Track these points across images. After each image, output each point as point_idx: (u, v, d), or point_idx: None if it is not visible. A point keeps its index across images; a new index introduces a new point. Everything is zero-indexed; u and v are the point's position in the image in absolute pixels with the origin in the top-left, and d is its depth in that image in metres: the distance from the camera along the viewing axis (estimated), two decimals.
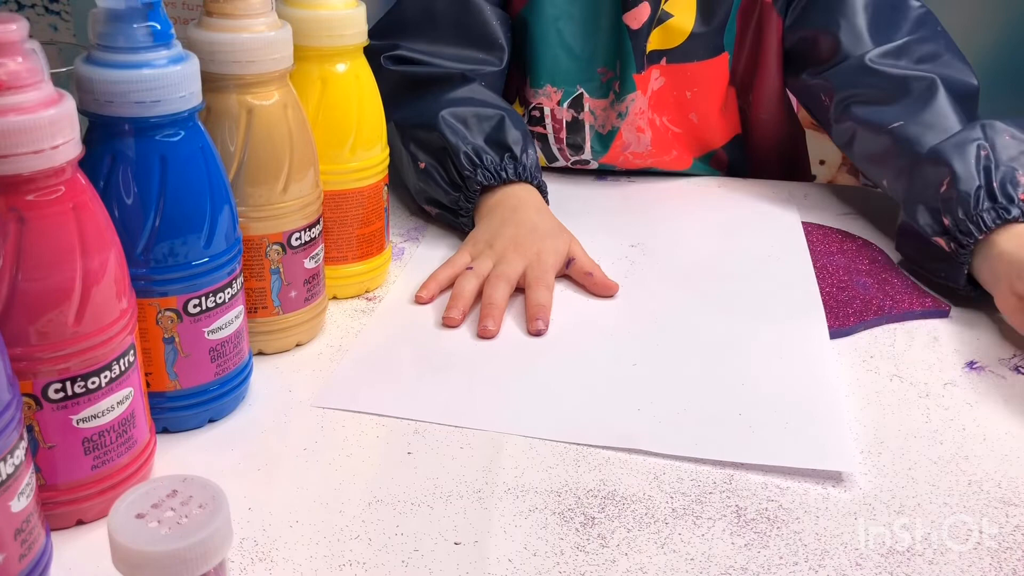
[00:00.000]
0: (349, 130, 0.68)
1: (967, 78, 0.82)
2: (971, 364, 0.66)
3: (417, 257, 0.78)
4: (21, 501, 0.41)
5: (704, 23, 0.91)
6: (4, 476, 0.39)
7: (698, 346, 0.66)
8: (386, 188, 0.72)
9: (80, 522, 0.48)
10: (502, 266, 0.71)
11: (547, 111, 0.93)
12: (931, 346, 0.68)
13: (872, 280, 0.74)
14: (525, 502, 0.51)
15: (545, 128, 0.94)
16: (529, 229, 0.75)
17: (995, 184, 0.71)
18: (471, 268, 0.72)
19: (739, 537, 0.49)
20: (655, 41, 0.91)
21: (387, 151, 0.72)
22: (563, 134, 0.93)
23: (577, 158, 0.95)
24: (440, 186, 0.81)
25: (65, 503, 0.47)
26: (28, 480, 0.41)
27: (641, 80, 0.91)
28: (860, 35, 0.86)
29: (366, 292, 0.73)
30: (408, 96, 0.85)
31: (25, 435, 0.41)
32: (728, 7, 0.91)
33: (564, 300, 0.72)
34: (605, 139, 0.93)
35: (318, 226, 0.64)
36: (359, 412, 0.58)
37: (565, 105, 0.92)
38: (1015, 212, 0.69)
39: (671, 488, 0.53)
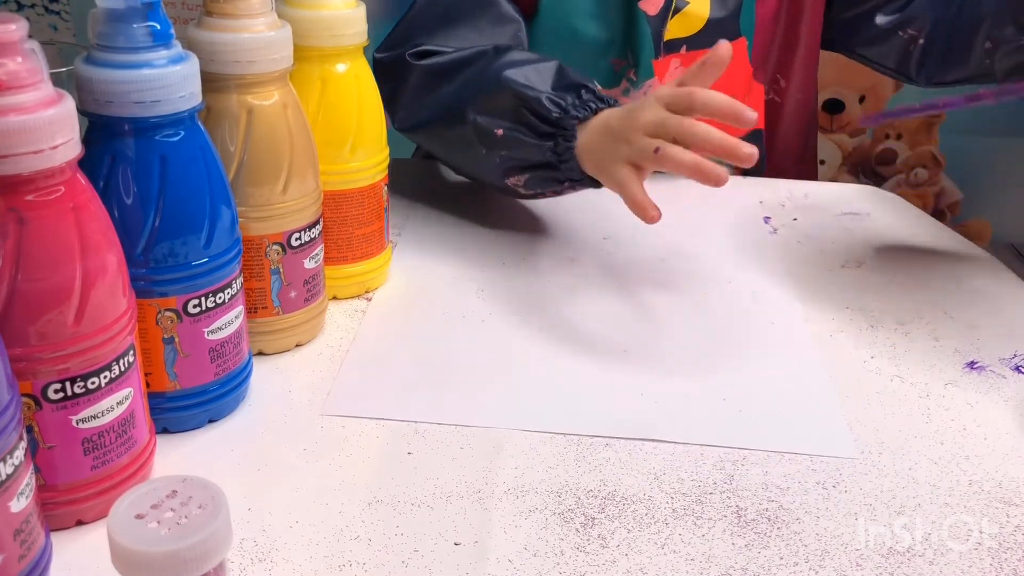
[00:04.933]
0: (349, 130, 0.68)
1: None
2: (971, 364, 0.66)
3: (402, 252, 0.78)
4: (21, 501, 0.41)
5: (720, 8, 0.92)
6: (4, 476, 0.39)
7: (687, 337, 0.68)
8: (386, 188, 0.72)
9: (80, 522, 0.48)
10: (666, 123, 0.66)
11: None
12: (931, 346, 0.68)
13: None
14: (525, 502, 0.51)
15: None
16: (627, 110, 0.70)
17: None
18: (657, 150, 0.66)
19: (739, 537, 0.49)
20: (673, 30, 0.91)
21: (387, 151, 0.71)
22: None
23: None
24: (529, 143, 0.75)
25: (65, 503, 0.47)
26: (28, 480, 0.41)
27: (659, 66, 0.91)
28: None
29: (366, 292, 0.73)
30: (445, 83, 0.82)
31: (25, 435, 0.41)
32: None
33: (556, 295, 0.72)
34: None
35: (318, 226, 0.64)
36: (363, 415, 0.58)
37: None
38: None
39: (671, 488, 0.53)
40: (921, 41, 0.89)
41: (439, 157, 0.87)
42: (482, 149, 0.78)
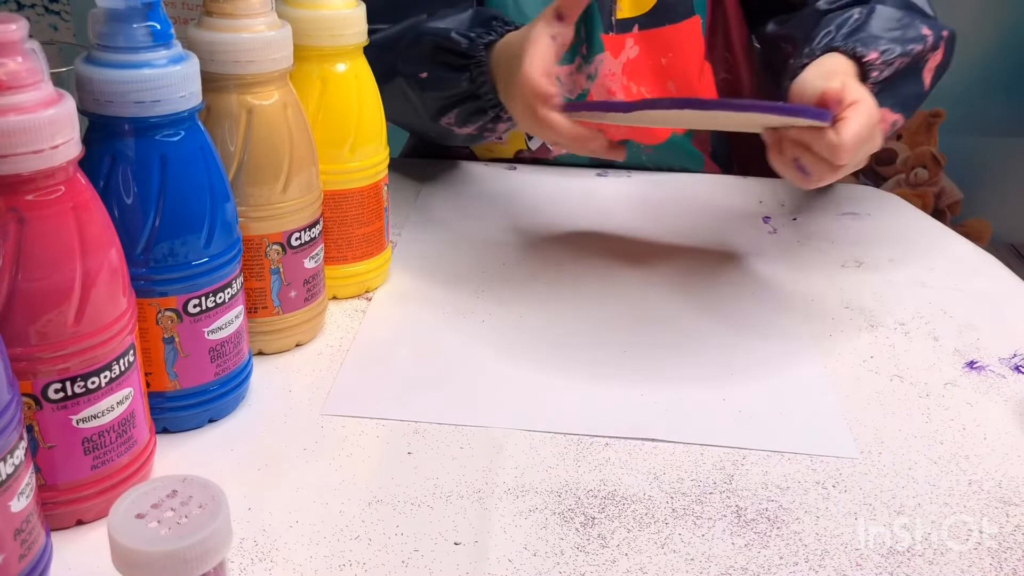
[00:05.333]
0: (349, 130, 0.68)
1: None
2: (971, 364, 0.66)
3: (402, 252, 0.78)
4: (21, 501, 0.41)
5: None
6: (4, 476, 0.39)
7: (686, 337, 0.68)
8: (386, 188, 0.72)
9: (80, 522, 0.48)
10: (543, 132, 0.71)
11: None
12: (931, 346, 0.68)
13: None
14: (525, 502, 0.51)
15: None
16: (510, 92, 0.74)
17: (844, 31, 0.75)
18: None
19: (739, 537, 0.49)
20: (626, 9, 0.91)
21: (387, 151, 0.72)
22: None
23: None
24: (448, 79, 0.79)
25: (65, 503, 0.47)
26: (28, 480, 0.41)
27: (610, 42, 0.90)
28: None
29: (366, 292, 0.73)
30: (385, 53, 0.83)
31: (25, 435, 0.41)
32: None
33: (556, 295, 0.72)
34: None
35: (318, 226, 0.64)
36: (363, 415, 0.58)
37: None
38: (839, 44, 0.73)
39: (671, 488, 0.53)
40: (792, 62, 0.86)
41: (390, 119, 0.88)
42: (415, 97, 0.82)
